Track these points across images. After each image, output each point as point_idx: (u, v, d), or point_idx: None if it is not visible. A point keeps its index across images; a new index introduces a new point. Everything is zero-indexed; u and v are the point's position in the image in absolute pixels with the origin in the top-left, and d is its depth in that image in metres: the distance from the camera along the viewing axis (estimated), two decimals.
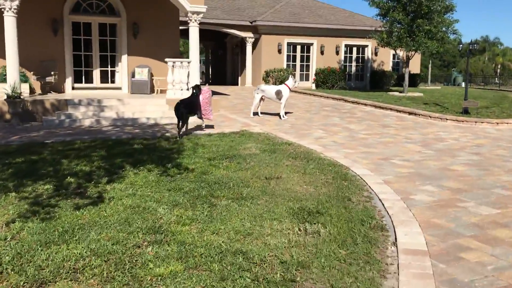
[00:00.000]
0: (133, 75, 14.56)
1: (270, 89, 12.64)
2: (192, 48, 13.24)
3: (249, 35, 23.30)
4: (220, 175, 6.30)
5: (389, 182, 6.21)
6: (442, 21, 19.27)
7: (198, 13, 13.02)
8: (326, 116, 13.32)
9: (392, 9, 19.34)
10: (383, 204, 5.16)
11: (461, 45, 16.40)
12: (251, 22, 22.92)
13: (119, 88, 14.91)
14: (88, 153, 7.67)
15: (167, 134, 9.79)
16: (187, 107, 9.72)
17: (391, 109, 14.56)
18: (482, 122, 12.36)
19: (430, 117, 13.16)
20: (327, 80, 23.59)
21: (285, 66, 23.68)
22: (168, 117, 11.77)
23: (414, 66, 27.84)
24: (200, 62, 35.64)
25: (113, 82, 15.01)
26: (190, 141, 9.11)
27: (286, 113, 13.46)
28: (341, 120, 12.66)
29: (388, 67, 26.75)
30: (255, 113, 13.13)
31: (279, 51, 23.56)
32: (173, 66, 12.89)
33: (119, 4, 14.45)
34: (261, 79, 22.96)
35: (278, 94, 12.50)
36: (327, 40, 24.42)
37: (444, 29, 20.38)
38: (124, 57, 14.71)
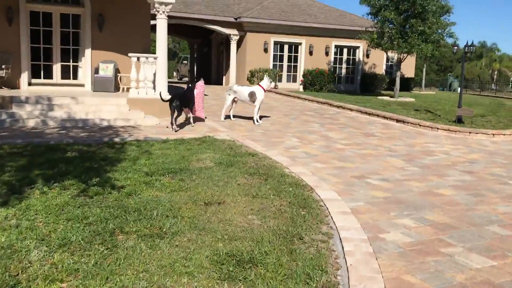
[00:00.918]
0: (97, 71, 13.27)
1: (243, 90, 11.38)
2: (159, 43, 11.95)
3: (233, 32, 22.01)
4: (149, 197, 5.05)
5: (358, 212, 4.97)
6: (437, 22, 18.05)
7: (166, 4, 11.74)
8: (306, 122, 12.08)
9: (384, 8, 18.10)
10: (343, 248, 3.92)
11: (455, 48, 15.19)
12: (236, 19, 21.63)
13: (82, 85, 13.60)
14: (5, 162, 6.39)
15: (115, 139, 8.52)
16: (181, 101, 9.91)
17: (377, 115, 13.34)
18: (476, 133, 11.16)
19: (420, 125, 11.95)
20: (315, 82, 22.35)
21: (271, 66, 22.42)
22: (126, 119, 10.50)
23: (408, 69, 26.67)
24: (187, 60, 34.39)
25: (75, 78, 13.69)
26: (140, 147, 7.87)
27: (261, 117, 12.22)
28: (320, 126, 11.42)
29: (381, 70, 25.55)
30: (227, 116, 11.88)
31: (265, 50, 22.29)
32: (137, 61, 11.66)
33: None
34: (245, 79, 21.71)
35: (252, 96, 11.24)
36: (317, 40, 23.18)
37: (440, 31, 19.21)
38: (88, 51, 13.41)
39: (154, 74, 12.03)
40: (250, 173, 6.37)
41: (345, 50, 24.42)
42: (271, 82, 11.38)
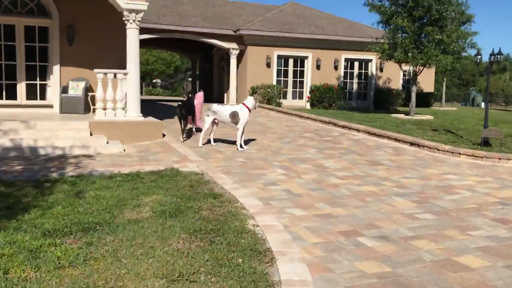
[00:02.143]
0: (65, 90, 11.74)
1: (224, 111, 9.63)
2: (130, 57, 10.37)
3: (233, 46, 20.40)
4: (12, 283, 3.29)
5: None
6: (456, 30, 16.10)
7: (137, 11, 10.18)
8: (301, 146, 10.24)
9: (396, 15, 16.23)
10: None
11: (479, 57, 13.21)
12: (235, 31, 20.03)
13: (50, 106, 12.09)
14: None
15: (52, 175, 6.84)
16: (186, 109, 10.48)
17: (388, 137, 11.41)
18: (508, 159, 9.15)
19: (438, 149, 9.99)
20: (324, 99, 20.52)
21: (274, 82, 20.69)
22: (84, 146, 8.83)
23: (427, 83, 24.65)
24: (191, 77, 32.96)
25: (43, 98, 12.19)
26: (74, 187, 6.19)
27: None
28: (317, 152, 9.56)
29: (397, 84, 23.58)
30: (209, 141, 10.15)
31: (268, 64, 20.58)
32: (105, 78, 10.10)
33: (50, 2, 11.70)
34: (246, 96, 19.98)
35: (234, 117, 9.49)
36: (325, 53, 21.40)
37: (460, 41, 17.29)
38: (57, 68, 11.92)
39: (125, 94, 10.45)
40: (194, 229, 4.57)
41: (356, 64, 22.56)
42: (256, 102, 9.64)
